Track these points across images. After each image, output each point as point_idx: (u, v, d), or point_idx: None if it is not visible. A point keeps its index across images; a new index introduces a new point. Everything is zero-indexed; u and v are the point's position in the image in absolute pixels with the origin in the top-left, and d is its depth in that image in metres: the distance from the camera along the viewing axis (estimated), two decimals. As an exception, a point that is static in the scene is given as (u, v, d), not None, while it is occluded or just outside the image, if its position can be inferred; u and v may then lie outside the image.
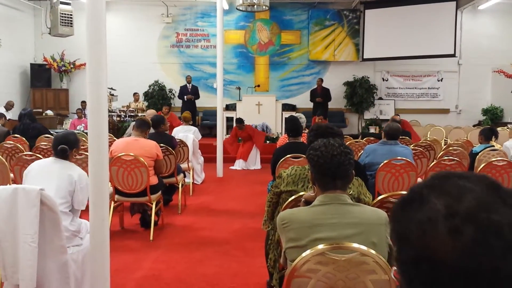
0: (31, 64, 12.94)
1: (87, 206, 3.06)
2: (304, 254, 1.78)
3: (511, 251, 0.67)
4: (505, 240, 0.67)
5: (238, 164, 9.69)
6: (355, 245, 1.78)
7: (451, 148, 5.98)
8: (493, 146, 5.75)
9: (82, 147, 5.64)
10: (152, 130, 5.97)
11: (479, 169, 4.67)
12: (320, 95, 12.19)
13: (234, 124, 10.00)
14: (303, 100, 12.85)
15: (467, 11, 13.13)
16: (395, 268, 0.83)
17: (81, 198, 3.12)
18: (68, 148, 3.18)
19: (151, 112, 7.62)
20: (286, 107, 12.02)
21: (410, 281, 0.75)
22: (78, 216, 3.21)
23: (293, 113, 10.72)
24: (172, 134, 7.13)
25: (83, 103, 11.84)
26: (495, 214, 0.69)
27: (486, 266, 0.67)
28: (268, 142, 10.81)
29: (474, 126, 12.29)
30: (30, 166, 3.26)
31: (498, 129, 7.94)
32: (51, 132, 6.83)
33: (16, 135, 6.48)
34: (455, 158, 4.99)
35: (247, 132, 9.76)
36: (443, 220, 0.70)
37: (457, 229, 0.69)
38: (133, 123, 5.74)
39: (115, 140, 5.59)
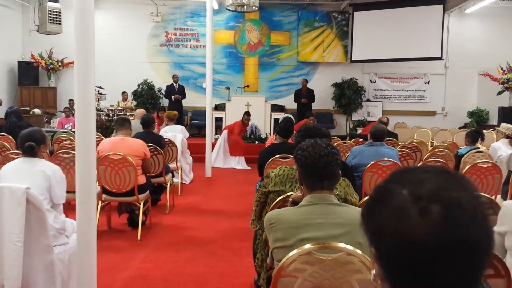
0: (19, 62, 12.79)
1: (74, 206, 3.04)
2: (291, 254, 1.79)
3: (474, 221, 0.76)
4: (467, 212, 0.76)
5: (230, 162, 9.75)
6: (341, 245, 1.80)
7: (437, 150, 6.05)
8: (479, 148, 5.83)
9: (69, 146, 5.63)
10: (141, 129, 5.97)
11: (464, 170, 4.74)
12: (305, 95, 12.24)
13: (240, 118, 9.92)
14: (292, 101, 12.89)
15: (454, 15, 13.29)
16: (374, 271, 0.86)
17: (59, 192, 3.06)
18: (36, 144, 3.12)
19: (140, 112, 7.60)
20: (275, 108, 12.05)
21: (396, 273, 0.79)
22: (61, 213, 3.16)
23: (282, 114, 10.82)
24: (160, 134, 7.11)
25: (71, 101, 11.74)
26: (453, 192, 0.77)
27: (458, 237, 0.74)
28: (257, 142, 10.84)
29: (460, 128, 12.43)
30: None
31: (484, 131, 8.05)
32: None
33: (2, 133, 6.41)
34: (441, 160, 5.05)
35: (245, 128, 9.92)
36: (412, 205, 0.77)
37: (426, 209, 0.76)
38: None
39: (103, 139, 5.56)
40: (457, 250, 0.75)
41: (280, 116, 10.73)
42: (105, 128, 9.98)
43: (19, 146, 3.19)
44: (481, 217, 0.77)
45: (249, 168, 9.63)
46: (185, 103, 12.49)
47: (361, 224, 0.87)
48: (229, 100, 11.77)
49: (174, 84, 12.33)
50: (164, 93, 12.65)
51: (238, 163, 9.87)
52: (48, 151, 3.37)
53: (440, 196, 0.77)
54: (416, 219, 0.75)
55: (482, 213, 0.78)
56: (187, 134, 7.99)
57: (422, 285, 0.77)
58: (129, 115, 10.07)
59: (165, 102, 12.93)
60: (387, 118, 9.08)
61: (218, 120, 11.47)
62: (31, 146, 3.10)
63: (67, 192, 4.46)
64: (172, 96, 12.09)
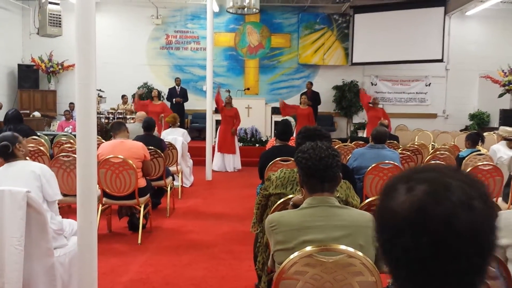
0: (19, 65, 12.80)
1: (75, 209, 3.03)
2: (292, 256, 1.79)
3: (464, 206, 0.77)
4: (454, 195, 0.78)
5: (217, 163, 9.69)
6: (343, 247, 1.79)
7: (438, 152, 6.04)
8: (480, 150, 5.82)
9: (70, 149, 5.63)
10: (142, 132, 5.97)
11: (465, 173, 4.72)
12: (310, 98, 12.21)
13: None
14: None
15: (455, 17, 13.29)
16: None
17: (51, 191, 3.00)
18: (9, 143, 3.03)
19: (141, 115, 7.59)
20: (276, 111, 12.03)
21: (389, 255, 0.84)
22: (57, 214, 3.13)
23: (284, 117, 10.77)
24: (161, 137, 7.10)
25: (71, 104, 11.73)
26: (447, 178, 0.81)
27: (437, 215, 0.77)
28: (257, 145, 10.83)
29: (461, 131, 12.41)
30: None
31: (485, 134, 8.03)
32: (38, 134, 6.75)
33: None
34: (442, 163, 5.04)
35: (234, 111, 9.80)
36: (402, 184, 0.84)
37: (412, 187, 0.81)
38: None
39: (103, 142, 5.55)
40: (433, 227, 0.76)
41: (281, 119, 10.72)
42: (105, 131, 9.97)
43: None
44: (478, 207, 0.78)
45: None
46: (185, 106, 12.48)
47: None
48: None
49: (177, 87, 12.34)
50: (166, 95, 12.64)
51: (231, 164, 9.82)
52: (27, 150, 3.32)
53: (432, 180, 0.81)
54: (401, 195, 0.82)
55: (482, 205, 0.78)
56: (189, 139, 7.98)
57: (408, 267, 0.80)
58: (129, 118, 10.08)
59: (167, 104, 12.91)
60: (386, 121, 9.07)
61: (219, 123, 11.45)
62: (6, 146, 3.02)
63: (68, 195, 4.51)
64: (174, 99, 12.09)
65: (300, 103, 10.31)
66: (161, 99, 11.98)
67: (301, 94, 12.59)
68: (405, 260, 0.80)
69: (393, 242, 0.81)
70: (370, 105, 10.11)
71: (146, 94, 12.08)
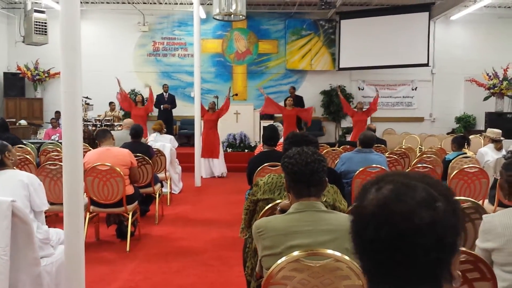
0: (4, 73, 12.69)
1: (62, 217, 3.01)
2: (279, 261, 1.80)
3: (424, 205, 0.86)
4: (417, 193, 0.88)
5: (204, 170, 9.62)
6: (330, 251, 1.80)
7: (425, 155, 6.09)
8: (466, 153, 5.89)
9: (56, 157, 5.58)
10: (129, 139, 5.94)
11: (451, 176, 4.78)
12: (294, 103, 12.25)
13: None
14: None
15: (439, 22, 13.46)
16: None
17: (38, 200, 2.98)
18: None
19: (128, 122, 7.56)
20: (264, 116, 12.06)
21: (360, 251, 0.93)
22: (43, 223, 3.10)
23: (272, 122, 10.78)
24: (148, 144, 7.07)
25: (57, 113, 11.65)
26: (415, 181, 0.91)
27: (398, 211, 0.86)
28: (246, 150, 10.84)
29: (447, 134, 12.55)
30: None
31: (471, 137, 8.13)
32: (24, 142, 6.69)
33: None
34: (429, 166, 5.09)
35: (216, 114, 9.79)
36: (373, 186, 0.94)
37: (381, 187, 0.92)
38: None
39: (90, 150, 5.52)
40: (398, 223, 0.85)
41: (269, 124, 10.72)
42: (92, 139, 9.89)
43: None
44: (440, 207, 0.87)
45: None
46: (174, 112, 12.45)
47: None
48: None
49: (164, 94, 12.32)
50: (153, 102, 12.57)
51: (217, 170, 9.78)
52: (16, 159, 3.28)
53: (398, 180, 0.92)
54: (370, 193, 0.93)
55: (445, 206, 0.87)
56: (176, 144, 7.96)
57: (374, 259, 0.88)
58: (117, 125, 10.03)
59: (154, 111, 12.85)
60: (374, 125, 9.14)
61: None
62: None
63: (55, 204, 4.46)
64: (161, 106, 12.07)
65: (286, 106, 10.36)
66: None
67: (285, 100, 12.67)
68: (371, 252, 0.88)
69: (360, 234, 0.91)
70: (355, 109, 10.29)
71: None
